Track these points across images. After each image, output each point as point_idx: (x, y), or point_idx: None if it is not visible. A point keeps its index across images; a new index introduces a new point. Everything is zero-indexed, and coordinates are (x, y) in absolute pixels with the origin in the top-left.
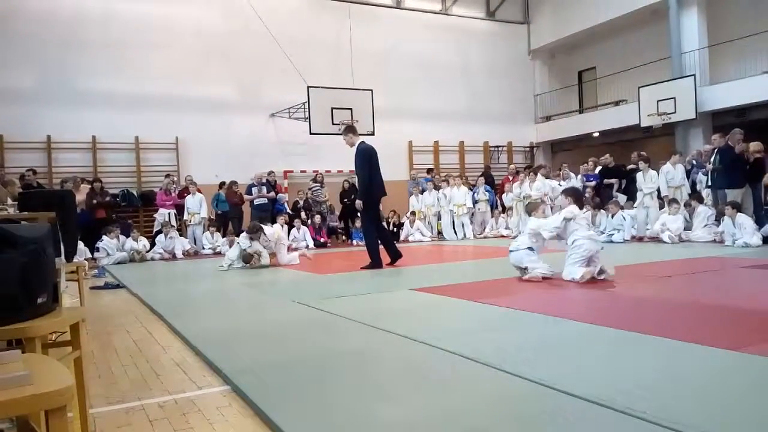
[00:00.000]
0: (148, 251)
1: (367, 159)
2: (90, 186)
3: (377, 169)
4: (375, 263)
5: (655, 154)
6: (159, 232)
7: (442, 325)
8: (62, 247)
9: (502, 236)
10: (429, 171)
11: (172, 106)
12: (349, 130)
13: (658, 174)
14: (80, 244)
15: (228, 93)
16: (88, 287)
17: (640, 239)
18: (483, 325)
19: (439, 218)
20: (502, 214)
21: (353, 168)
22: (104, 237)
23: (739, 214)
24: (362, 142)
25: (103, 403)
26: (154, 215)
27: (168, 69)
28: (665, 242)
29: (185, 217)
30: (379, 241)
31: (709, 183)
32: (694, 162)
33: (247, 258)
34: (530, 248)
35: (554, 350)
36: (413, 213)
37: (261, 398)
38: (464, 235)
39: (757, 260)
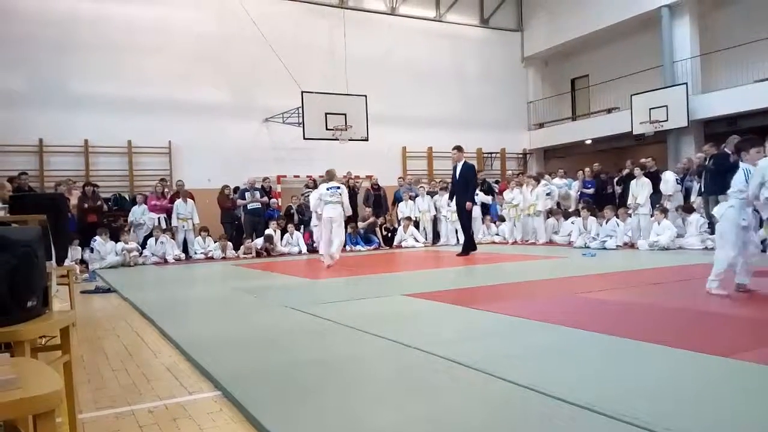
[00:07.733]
0: (139, 255)
1: (474, 174)
2: (82, 190)
3: None
4: (473, 247)
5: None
6: (149, 236)
7: (434, 331)
8: (53, 250)
9: (494, 242)
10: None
11: (166, 110)
12: (460, 149)
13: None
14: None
15: (222, 97)
16: (78, 291)
17: (632, 246)
18: (475, 331)
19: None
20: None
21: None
22: (97, 238)
23: None
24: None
25: (92, 408)
26: (142, 218)
27: (162, 73)
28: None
29: (174, 222)
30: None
31: (703, 189)
32: (687, 170)
33: None
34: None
35: (546, 356)
36: (408, 219)
37: (252, 404)
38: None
39: None
